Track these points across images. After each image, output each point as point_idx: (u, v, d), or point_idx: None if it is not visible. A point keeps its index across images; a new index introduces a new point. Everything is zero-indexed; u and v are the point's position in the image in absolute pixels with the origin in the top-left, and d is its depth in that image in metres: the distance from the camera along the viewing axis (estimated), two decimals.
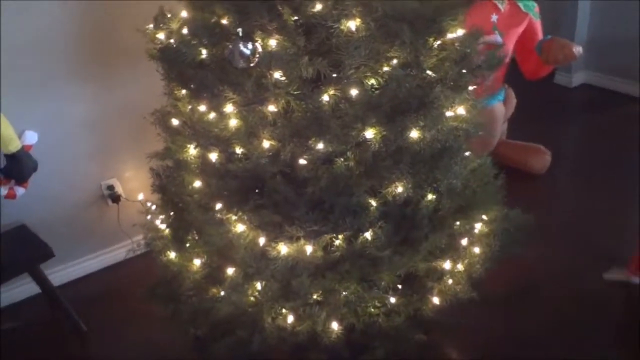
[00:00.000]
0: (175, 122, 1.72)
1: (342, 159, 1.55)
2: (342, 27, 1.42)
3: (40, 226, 2.62)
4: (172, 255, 1.88)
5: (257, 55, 1.47)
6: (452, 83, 1.57)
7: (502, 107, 3.20)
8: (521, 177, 3.25)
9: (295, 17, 1.45)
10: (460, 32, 1.70)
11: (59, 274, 2.84)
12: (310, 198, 1.52)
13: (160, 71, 1.66)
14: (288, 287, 1.63)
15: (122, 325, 2.58)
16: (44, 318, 2.68)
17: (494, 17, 2.88)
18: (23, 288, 2.75)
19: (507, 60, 3.04)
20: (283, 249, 1.57)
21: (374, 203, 1.57)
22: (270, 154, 1.54)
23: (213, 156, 1.60)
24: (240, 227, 1.63)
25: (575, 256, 2.63)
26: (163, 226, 1.98)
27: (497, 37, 2.80)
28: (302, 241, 1.56)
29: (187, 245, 1.84)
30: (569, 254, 2.64)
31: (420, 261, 1.65)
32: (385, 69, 1.53)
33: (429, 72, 1.58)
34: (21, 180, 2.48)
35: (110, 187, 2.84)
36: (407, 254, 1.60)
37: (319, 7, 1.42)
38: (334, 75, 1.49)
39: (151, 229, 1.98)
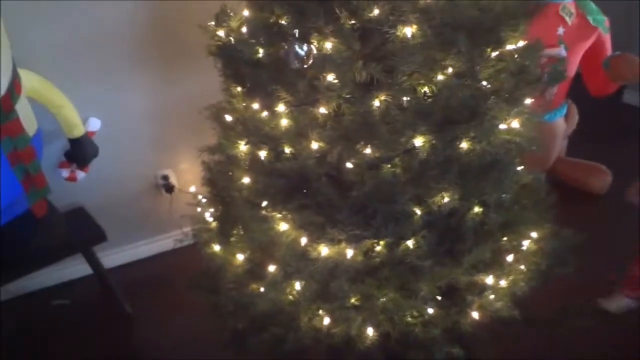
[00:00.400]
0: (228, 118, 1.76)
1: (389, 165, 1.54)
2: (398, 33, 1.42)
3: (97, 209, 2.73)
4: (216, 248, 1.92)
5: (312, 57, 1.48)
6: (507, 95, 1.53)
7: (562, 123, 3.10)
8: (579, 196, 3.14)
9: (352, 21, 1.46)
10: (520, 43, 1.67)
11: (112, 257, 2.95)
12: (354, 202, 1.52)
13: (218, 67, 1.70)
14: (326, 288, 1.63)
15: (166, 312, 2.66)
16: (93, 298, 2.80)
17: (561, 30, 2.80)
18: (78, 267, 2.87)
19: (572, 75, 2.94)
20: (324, 250, 1.58)
21: (418, 211, 1.56)
22: (318, 155, 1.55)
23: (262, 154, 1.63)
24: (283, 226, 1.65)
25: None
26: (211, 219, 2.02)
27: (561, 51, 2.72)
28: (343, 244, 1.56)
29: (232, 239, 1.87)
30: None
31: (462, 274, 1.62)
32: (440, 77, 1.51)
33: (484, 82, 1.55)
34: (83, 164, 2.61)
35: (165, 177, 2.93)
36: (448, 266, 1.58)
37: (376, 12, 1.43)
38: (387, 80, 1.49)
39: (199, 221, 2.03)
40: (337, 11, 1.45)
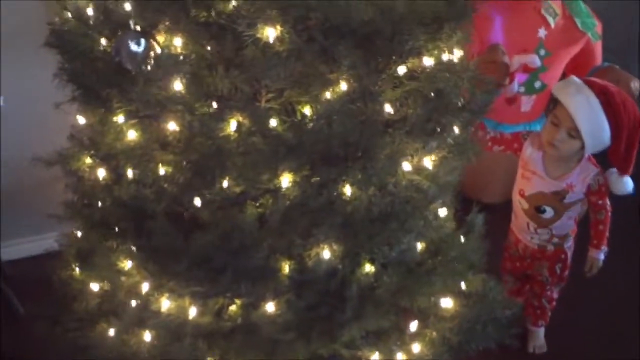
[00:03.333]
0: (82, 120, 1.41)
1: (256, 204, 1.19)
2: (258, 35, 1.05)
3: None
4: (76, 270, 1.59)
5: (153, 57, 1.12)
6: (408, 128, 1.16)
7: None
8: None
9: (205, 14, 1.08)
10: (456, 54, 1.29)
11: (13, 248, 2.65)
12: (198, 251, 1.17)
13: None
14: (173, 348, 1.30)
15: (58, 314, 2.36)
16: None
17: (542, 33, 2.39)
18: None
19: (553, 84, 2.54)
20: (165, 303, 1.24)
21: (287, 268, 1.21)
22: (165, 184, 1.19)
23: (101, 173, 1.29)
24: (128, 263, 1.31)
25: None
26: (79, 233, 1.69)
27: (534, 59, 2.31)
28: (187, 299, 1.22)
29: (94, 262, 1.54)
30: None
31: (342, 347, 1.27)
32: (325, 96, 1.14)
33: (387, 106, 1.18)
34: None
35: None
36: (316, 340, 1.23)
37: (234, 3, 1.05)
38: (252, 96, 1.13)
39: (66, 234, 1.70)
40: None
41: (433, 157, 1.25)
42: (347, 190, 1.15)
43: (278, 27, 1.02)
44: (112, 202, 1.28)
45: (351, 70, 1.07)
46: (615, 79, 2.29)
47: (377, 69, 1.13)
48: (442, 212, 1.43)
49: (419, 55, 1.18)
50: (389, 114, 1.18)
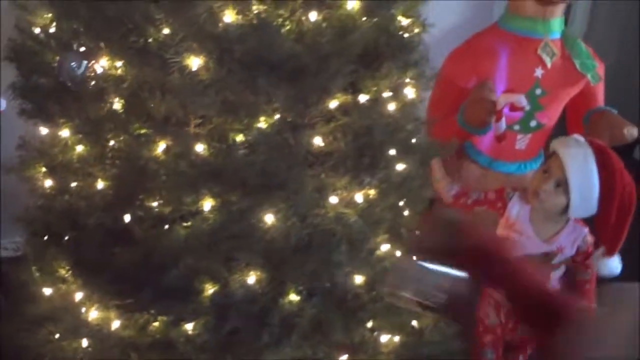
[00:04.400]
0: (44, 131, 1.47)
1: (184, 226, 1.22)
2: (184, 64, 1.08)
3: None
4: (35, 273, 1.65)
5: (91, 77, 1.18)
6: (333, 162, 1.17)
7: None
8: None
9: (142, 40, 1.13)
10: (408, 92, 1.30)
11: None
12: (119, 266, 1.21)
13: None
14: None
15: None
16: None
17: (539, 72, 2.35)
18: None
19: (551, 124, 2.49)
20: (93, 313, 1.28)
21: (209, 290, 1.23)
22: (97, 198, 1.24)
23: (48, 183, 1.34)
24: (68, 271, 1.36)
25: None
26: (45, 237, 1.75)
27: (520, 98, 2.26)
28: (112, 311, 1.26)
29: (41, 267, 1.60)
30: None
31: None
32: (261, 125, 1.17)
33: (318, 139, 1.20)
34: None
35: None
36: None
37: (165, 31, 1.10)
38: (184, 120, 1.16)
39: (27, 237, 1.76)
40: (128, 26, 1.13)
41: (372, 192, 1.25)
42: (268, 218, 1.16)
43: (202, 58, 1.06)
44: (54, 211, 1.34)
45: (275, 102, 1.10)
46: (610, 123, 2.21)
47: (305, 103, 1.15)
48: (384, 247, 1.43)
49: (354, 92, 1.19)
50: (319, 147, 1.20)
